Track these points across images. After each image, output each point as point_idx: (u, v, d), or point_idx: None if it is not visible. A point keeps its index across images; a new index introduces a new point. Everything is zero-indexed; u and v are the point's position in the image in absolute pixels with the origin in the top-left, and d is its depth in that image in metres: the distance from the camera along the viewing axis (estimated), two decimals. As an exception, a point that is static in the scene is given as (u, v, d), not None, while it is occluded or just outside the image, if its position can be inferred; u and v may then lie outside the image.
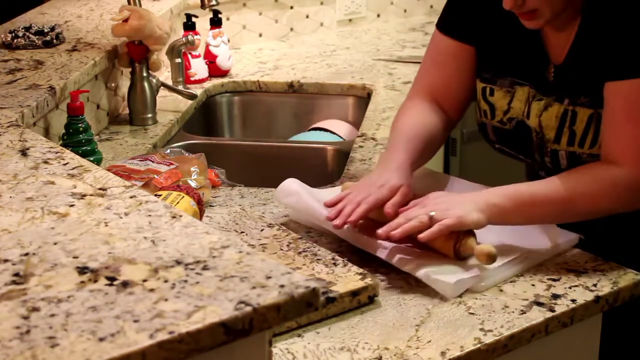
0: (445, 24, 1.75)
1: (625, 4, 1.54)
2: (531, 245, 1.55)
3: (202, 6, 2.46)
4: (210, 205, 1.76)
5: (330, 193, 1.76)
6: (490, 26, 1.69)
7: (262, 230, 1.62)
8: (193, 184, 1.73)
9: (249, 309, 0.99)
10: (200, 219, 1.63)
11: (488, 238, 1.54)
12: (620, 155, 1.54)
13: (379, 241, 1.52)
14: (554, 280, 1.49)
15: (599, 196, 1.54)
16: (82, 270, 1.08)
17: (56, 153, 1.46)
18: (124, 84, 2.35)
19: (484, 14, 1.70)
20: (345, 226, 1.55)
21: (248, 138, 2.65)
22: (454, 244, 1.50)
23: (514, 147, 1.73)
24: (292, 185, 1.69)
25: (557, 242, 1.56)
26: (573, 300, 1.43)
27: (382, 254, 1.51)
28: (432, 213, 1.48)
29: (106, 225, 1.19)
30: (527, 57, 1.67)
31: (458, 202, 1.51)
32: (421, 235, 1.47)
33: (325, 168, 2.26)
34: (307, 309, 1.04)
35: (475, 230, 1.54)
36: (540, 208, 1.54)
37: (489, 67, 1.72)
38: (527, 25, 1.60)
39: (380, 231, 1.50)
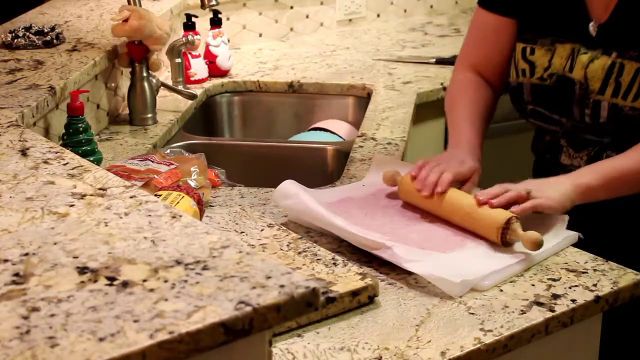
0: (487, 0, 1.84)
1: None
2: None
3: (202, 6, 2.46)
4: (210, 205, 1.76)
5: (331, 193, 1.76)
6: None
7: (262, 230, 1.62)
8: (193, 184, 1.73)
9: (249, 309, 0.99)
10: (200, 219, 1.63)
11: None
12: None
13: (380, 241, 1.52)
14: (554, 280, 1.49)
15: None
16: (82, 270, 1.08)
17: (56, 153, 1.46)
18: (124, 84, 2.35)
19: None
20: (344, 226, 1.55)
21: (248, 138, 2.65)
22: (501, 229, 1.53)
23: (551, 104, 1.76)
24: (290, 187, 1.69)
25: (557, 241, 1.56)
26: (573, 300, 1.43)
27: (383, 253, 1.51)
28: (530, 189, 1.56)
29: (106, 225, 1.19)
30: (569, 16, 1.72)
31: (550, 187, 1.58)
32: (515, 209, 1.53)
33: (325, 168, 2.26)
34: (307, 309, 1.04)
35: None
36: (625, 181, 1.61)
37: (530, 28, 1.77)
38: None
39: (481, 197, 1.57)
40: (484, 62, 1.86)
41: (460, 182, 1.67)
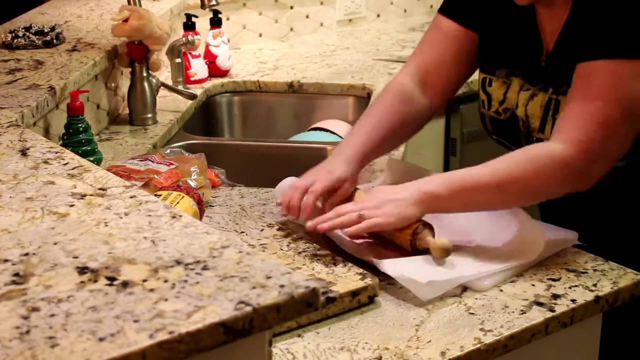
0: (448, 8, 1.77)
1: None
2: (530, 244, 1.54)
3: (202, 6, 2.46)
4: (210, 205, 1.76)
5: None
6: (491, 15, 1.70)
7: (262, 230, 1.62)
8: (193, 184, 1.73)
9: (249, 309, 0.99)
10: (200, 219, 1.63)
11: (490, 237, 1.55)
12: (565, 132, 1.52)
13: (359, 244, 1.52)
14: (554, 280, 1.49)
15: (535, 176, 1.51)
16: (82, 270, 1.08)
17: (56, 153, 1.46)
18: (124, 84, 2.35)
19: (485, 1, 1.70)
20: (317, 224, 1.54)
21: (248, 138, 2.65)
22: (410, 237, 1.51)
23: (507, 137, 1.74)
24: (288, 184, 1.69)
25: (555, 241, 1.56)
26: (573, 300, 1.43)
27: (363, 256, 1.51)
28: (362, 212, 1.49)
29: (106, 225, 1.19)
30: (523, 45, 1.67)
31: (392, 198, 1.51)
32: (347, 230, 1.49)
33: (325, 168, 2.25)
34: (307, 309, 1.04)
35: (476, 231, 1.55)
36: (474, 193, 1.51)
37: (489, 57, 1.73)
38: (516, 0, 1.60)
39: (309, 224, 1.52)
40: (433, 66, 1.76)
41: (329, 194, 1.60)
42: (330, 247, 1.56)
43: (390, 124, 1.70)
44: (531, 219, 1.57)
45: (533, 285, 1.47)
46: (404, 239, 1.52)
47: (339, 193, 1.59)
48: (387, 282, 1.47)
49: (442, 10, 1.78)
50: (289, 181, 1.69)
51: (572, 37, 1.59)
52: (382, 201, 1.51)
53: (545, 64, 1.64)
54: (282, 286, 1.03)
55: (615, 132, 1.51)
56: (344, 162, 1.62)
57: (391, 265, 1.47)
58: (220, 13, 2.73)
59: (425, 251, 1.50)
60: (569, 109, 1.54)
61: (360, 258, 1.51)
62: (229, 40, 2.76)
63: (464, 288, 1.46)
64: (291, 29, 3.16)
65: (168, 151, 1.92)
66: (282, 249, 1.54)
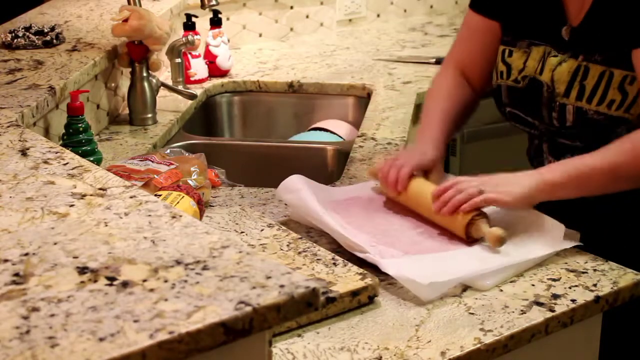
0: (476, 2, 1.86)
1: None
2: (533, 244, 1.54)
3: (202, 6, 2.46)
4: (210, 205, 1.76)
5: (340, 191, 1.77)
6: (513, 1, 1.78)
7: (262, 230, 1.62)
8: (193, 184, 1.73)
9: (249, 309, 0.99)
10: (200, 219, 1.63)
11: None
12: None
13: (362, 244, 1.52)
14: (554, 280, 1.49)
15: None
16: (82, 270, 1.08)
17: (56, 153, 1.46)
18: (124, 84, 2.35)
19: None
20: (333, 226, 1.57)
21: (248, 138, 2.65)
22: (466, 224, 1.54)
23: (524, 106, 1.77)
24: (295, 182, 1.69)
25: (558, 241, 1.56)
26: (573, 300, 1.43)
27: (365, 256, 1.51)
28: (483, 187, 1.56)
29: (106, 225, 1.19)
30: (545, 18, 1.73)
31: (508, 181, 1.58)
32: (465, 205, 1.55)
33: (325, 168, 2.26)
34: (307, 309, 1.04)
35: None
36: (590, 179, 1.59)
37: (510, 30, 1.79)
38: None
39: (435, 206, 1.59)
40: (468, 61, 1.88)
41: (424, 173, 1.71)
42: (330, 247, 1.56)
43: (456, 106, 1.84)
44: (540, 215, 1.58)
45: (533, 285, 1.47)
46: (459, 226, 1.56)
47: (434, 173, 1.71)
48: (387, 282, 1.47)
49: (471, 5, 1.88)
50: (295, 178, 1.70)
51: (601, 15, 1.65)
52: (503, 180, 1.58)
53: (571, 37, 1.69)
54: (282, 286, 1.03)
55: None
56: (433, 145, 1.74)
57: (392, 265, 1.47)
58: (220, 13, 2.73)
59: (479, 240, 1.55)
60: None
61: (362, 257, 1.51)
62: (229, 40, 2.76)
63: (464, 288, 1.46)
64: (291, 29, 3.16)
65: (168, 151, 1.92)
66: (282, 249, 1.54)
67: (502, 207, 1.58)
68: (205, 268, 1.08)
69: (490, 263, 1.49)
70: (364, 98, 2.58)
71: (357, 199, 1.73)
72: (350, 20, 3.28)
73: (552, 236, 1.56)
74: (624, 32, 1.61)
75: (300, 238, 1.58)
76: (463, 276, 1.45)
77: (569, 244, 1.57)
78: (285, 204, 1.73)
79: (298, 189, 1.67)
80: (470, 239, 1.56)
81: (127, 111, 2.32)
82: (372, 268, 1.50)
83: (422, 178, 1.69)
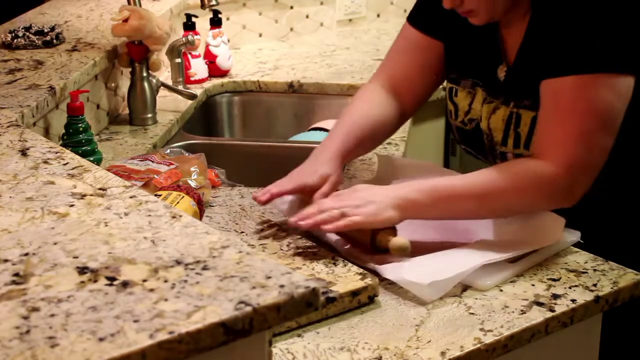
0: (415, 17, 1.78)
1: (571, 2, 1.54)
2: (535, 243, 1.54)
3: (202, 6, 2.46)
4: (210, 205, 1.76)
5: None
6: (455, 24, 1.70)
7: (262, 230, 1.62)
8: (193, 184, 1.73)
9: (249, 309, 0.99)
10: (200, 219, 1.63)
11: (488, 234, 1.56)
12: (545, 151, 1.53)
13: (363, 255, 1.52)
14: (554, 280, 1.49)
15: (517, 191, 1.53)
16: (82, 270, 1.08)
17: (56, 153, 1.46)
18: (124, 84, 2.35)
19: (450, 11, 1.69)
20: (333, 237, 1.56)
21: (248, 138, 2.65)
22: (370, 236, 1.52)
23: (473, 147, 1.76)
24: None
25: (559, 240, 1.56)
26: (573, 300, 1.43)
27: (364, 264, 1.51)
28: (344, 210, 1.50)
29: (106, 225, 1.19)
30: (485, 57, 1.68)
31: (372, 200, 1.52)
32: (326, 227, 1.49)
33: (325, 168, 2.25)
34: (307, 309, 1.04)
35: (478, 226, 1.57)
36: (456, 203, 1.53)
37: (455, 67, 1.74)
38: (471, 21, 1.62)
39: (291, 219, 1.53)
40: (402, 76, 1.78)
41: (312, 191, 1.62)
42: (330, 248, 1.56)
43: (366, 127, 1.72)
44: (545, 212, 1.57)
45: (533, 285, 1.47)
46: (364, 237, 1.53)
47: (323, 190, 1.60)
48: (387, 282, 1.47)
49: (409, 20, 1.80)
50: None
51: (532, 52, 1.60)
52: (363, 201, 1.52)
53: (506, 78, 1.65)
54: (282, 286, 1.03)
55: (594, 145, 1.52)
56: (326, 160, 1.65)
57: (391, 270, 1.46)
58: (220, 13, 2.73)
59: (385, 250, 1.51)
60: (545, 128, 1.54)
61: (360, 265, 1.50)
62: (229, 40, 2.76)
63: (464, 288, 1.46)
64: (291, 29, 3.16)
65: (168, 151, 1.92)
66: (282, 249, 1.54)
67: (366, 227, 1.52)
68: (205, 268, 1.08)
69: (491, 256, 1.49)
70: (364, 98, 2.57)
71: None
72: (350, 20, 3.28)
73: (553, 230, 1.55)
74: (545, 67, 1.55)
75: (300, 238, 1.58)
76: (464, 272, 1.45)
77: (570, 241, 1.57)
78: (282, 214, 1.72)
79: (290, 200, 1.67)
80: (374, 249, 1.53)
81: (127, 111, 2.32)
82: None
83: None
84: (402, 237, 1.50)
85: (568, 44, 1.52)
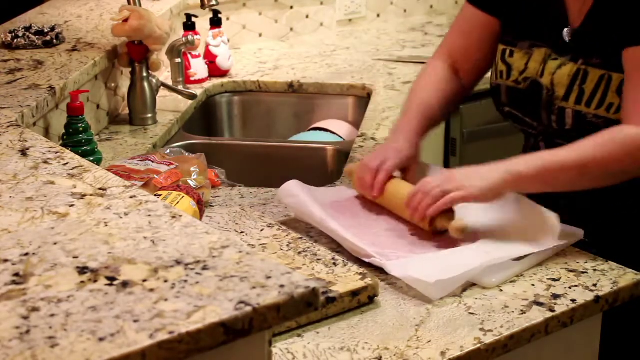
0: None
1: None
2: (538, 241, 1.54)
3: (202, 6, 2.46)
4: (210, 205, 1.76)
5: (336, 192, 1.77)
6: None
7: (262, 230, 1.62)
8: (193, 184, 1.73)
9: (249, 309, 0.99)
10: (200, 219, 1.63)
11: (494, 232, 1.58)
12: (633, 116, 1.58)
13: (366, 248, 1.53)
14: (554, 280, 1.49)
15: (613, 157, 1.57)
16: (82, 270, 1.08)
17: (56, 153, 1.46)
18: (124, 84, 2.35)
19: None
20: (337, 230, 1.57)
21: (248, 138, 2.65)
22: (429, 219, 1.56)
23: (524, 108, 1.77)
24: (293, 187, 1.70)
25: (562, 237, 1.56)
26: (573, 300, 1.43)
27: (371, 260, 1.51)
28: (446, 187, 1.56)
29: (106, 225, 1.19)
30: (547, 19, 1.73)
31: (475, 174, 1.57)
32: (430, 211, 1.55)
33: (325, 168, 2.26)
34: (307, 309, 1.04)
35: (484, 225, 1.59)
36: (557, 174, 1.58)
37: (511, 30, 1.78)
38: None
39: (408, 216, 1.61)
40: (462, 54, 1.86)
41: (402, 171, 1.72)
42: (330, 247, 1.57)
43: (436, 100, 1.80)
44: (544, 211, 1.58)
45: (533, 285, 1.47)
46: (422, 221, 1.57)
47: (410, 171, 1.70)
48: (387, 282, 1.47)
49: (470, 0, 1.86)
50: (291, 184, 1.70)
51: (601, 16, 1.64)
52: (467, 176, 1.58)
53: (572, 40, 1.69)
54: (282, 286, 1.03)
55: None
56: (408, 140, 1.72)
57: (398, 267, 1.47)
58: (220, 13, 2.73)
59: (444, 231, 1.57)
60: (633, 95, 1.60)
61: (368, 262, 1.51)
62: (229, 40, 2.76)
63: (464, 288, 1.46)
64: (291, 29, 3.16)
65: (168, 151, 1.92)
66: (282, 249, 1.54)
67: (470, 202, 1.57)
68: (205, 268, 1.08)
69: (497, 256, 1.49)
70: (364, 98, 2.58)
71: (359, 199, 1.74)
72: (350, 20, 3.28)
73: (556, 230, 1.56)
74: (621, 33, 1.61)
75: (300, 238, 1.58)
76: (470, 271, 1.45)
77: (573, 239, 1.57)
78: (286, 207, 1.73)
79: (297, 194, 1.67)
80: (435, 232, 1.58)
81: (127, 111, 2.32)
82: (372, 268, 1.50)
83: (397, 179, 1.70)
84: (461, 218, 1.55)
85: None
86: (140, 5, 2.30)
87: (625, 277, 1.49)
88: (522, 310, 1.40)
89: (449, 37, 1.91)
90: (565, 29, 1.70)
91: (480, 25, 1.83)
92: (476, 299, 1.43)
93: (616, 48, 1.62)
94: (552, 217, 1.56)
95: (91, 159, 1.86)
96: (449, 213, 1.56)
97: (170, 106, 2.41)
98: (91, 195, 1.29)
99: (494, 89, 1.81)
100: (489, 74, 1.86)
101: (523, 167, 1.56)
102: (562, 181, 1.59)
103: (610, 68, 1.63)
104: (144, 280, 1.05)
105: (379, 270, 1.50)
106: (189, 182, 1.74)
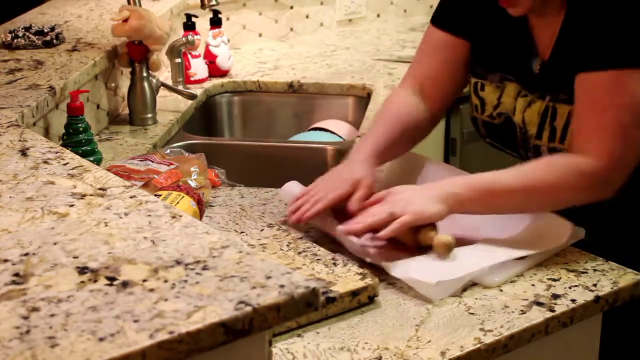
0: (439, 18, 1.78)
1: None
2: (540, 241, 1.54)
3: (202, 6, 2.46)
4: (210, 205, 1.76)
5: None
6: (482, 21, 1.71)
7: (262, 230, 1.62)
8: (193, 184, 1.73)
9: (249, 309, 0.99)
10: (200, 219, 1.63)
11: (495, 233, 1.57)
12: (583, 145, 1.55)
13: (365, 248, 1.53)
14: (554, 280, 1.49)
15: (562, 185, 1.54)
16: (82, 270, 1.08)
17: (56, 153, 1.46)
18: (124, 84, 2.35)
19: (476, 8, 1.71)
20: (338, 232, 1.56)
21: (248, 138, 2.65)
22: (413, 235, 1.53)
23: (502, 141, 1.76)
24: (294, 187, 1.71)
25: (565, 236, 1.56)
26: (573, 300, 1.43)
27: (370, 259, 1.52)
28: (392, 210, 1.51)
29: (106, 225, 1.19)
30: (516, 51, 1.69)
31: (417, 197, 1.53)
32: (380, 234, 1.50)
33: (325, 168, 2.25)
34: (307, 309, 1.04)
35: (485, 225, 1.58)
36: (501, 197, 1.55)
37: (481, 62, 1.74)
38: (510, 12, 1.62)
39: (340, 227, 1.54)
40: (428, 79, 1.79)
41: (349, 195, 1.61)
42: (330, 247, 1.57)
43: (398, 130, 1.73)
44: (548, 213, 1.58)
45: (533, 285, 1.47)
46: (408, 237, 1.54)
47: (358, 195, 1.59)
48: (387, 282, 1.47)
49: (433, 21, 1.79)
50: (292, 185, 1.70)
51: (568, 46, 1.60)
52: (408, 200, 1.53)
53: (541, 72, 1.65)
54: (282, 286, 1.03)
55: (631, 138, 1.54)
56: (361, 162, 1.66)
57: (399, 268, 1.47)
58: (220, 13, 2.73)
59: (428, 247, 1.52)
60: (581, 123, 1.56)
61: (370, 262, 1.51)
62: (229, 40, 2.76)
63: (464, 288, 1.46)
64: (291, 29, 3.16)
65: (168, 151, 1.92)
66: (282, 249, 1.54)
67: (415, 224, 1.52)
68: (205, 268, 1.08)
69: (499, 256, 1.49)
70: (364, 98, 2.58)
71: None
72: (350, 20, 3.28)
73: (558, 231, 1.56)
74: (581, 61, 1.56)
75: (300, 238, 1.58)
76: (471, 272, 1.45)
77: (575, 239, 1.57)
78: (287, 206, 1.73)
79: (296, 195, 1.67)
80: (418, 247, 1.54)
81: (127, 111, 2.32)
82: (372, 268, 1.50)
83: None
84: (447, 234, 1.51)
85: (604, 38, 1.53)
86: (140, 5, 2.30)
87: (625, 277, 1.49)
88: (522, 310, 1.40)
89: (414, 62, 1.83)
90: (535, 61, 1.66)
91: (444, 46, 1.76)
92: (476, 299, 1.43)
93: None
94: (555, 220, 1.56)
95: (91, 159, 1.86)
96: (431, 228, 1.53)
97: (170, 106, 2.41)
98: (91, 195, 1.29)
99: (473, 121, 1.78)
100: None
101: (461, 190, 1.53)
102: (506, 205, 1.56)
103: None
104: (144, 280, 1.05)
105: (379, 270, 1.50)
106: (189, 182, 1.74)
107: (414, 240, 1.53)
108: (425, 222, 1.52)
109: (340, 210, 1.64)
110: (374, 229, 1.52)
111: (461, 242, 1.56)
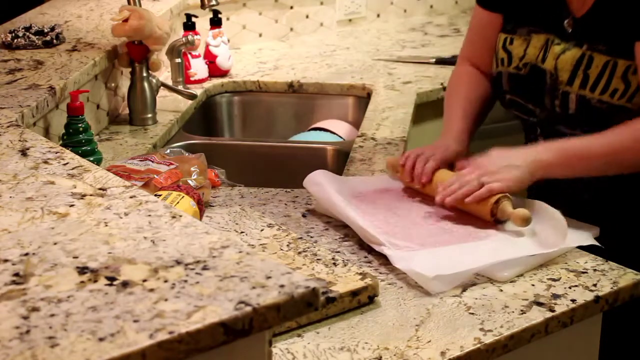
0: None
1: None
2: (548, 241, 1.55)
3: (202, 6, 2.46)
4: (210, 205, 1.76)
5: (362, 182, 1.81)
6: None
7: (262, 230, 1.62)
8: (193, 184, 1.73)
9: (249, 309, 0.99)
10: (200, 219, 1.63)
11: (508, 231, 1.60)
12: None
13: (378, 236, 1.54)
14: (554, 280, 1.49)
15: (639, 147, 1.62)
16: (82, 270, 1.08)
17: (56, 153, 1.46)
18: (124, 84, 2.35)
19: None
20: (353, 218, 1.61)
21: (248, 138, 2.65)
22: (490, 208, 1.60)
23: (526, 93, 1.79)
24: (318, 175, 1.75)
25: (574, 235, 1.56)
26: (573, 300, 1.43)
27: (381, 250, 1.53)
28: (483, 179, 1.61)
29: (106, 225, 1.19)
30: (548, 10, 1.75)
31: (509, 165, 1.63)
32: (468, 199, 1.61)
33: (325, 168, 2.24)
34: (307, 309, 1.04)
35: (490, 225, 1.62)
36: (584, 162, 1.63)
37: (511, 19, 1.82)
38: None
39: (438, 198, 1.65)
40: (476, 56, 1.91)
41: (448, 166, 1.75)
42: (330, 247, 1.57)
43: (478, 98, 1.87)
44: (555, 212, 1.59)
45: (533, 285, 1.47)
46: (484, 209, 1.61)
47: (457, 165, 1.73)
48: (387, 282, 1.47)
49: (477, 0, 1.91)
50: (317, 173, 1.75)
51: (609, 7, 1.66)
52: (500, 166, 1.63)
53: (574, 28, 1.70)
54: (282, 286, 1.03)
55: None
56: (456, 139, 1.80)
57: (402, 259, 1.48)
58: (220, 13, 2.73)
59: (504, 221, 1.61)
60: None
61: (375, 248, 1.53)
62: (229, 40, 2.76)
63: (464, 288, 1.46)
64: (291, 29, 3.16)
65: (168, 151, 1.92)
66: (282, 249, 1.54)
67: (505, 192, 1.62)
68: (205, 268, 1.08)
69: (503, 255, 1.50)
70: (364, 98, 2.58)
71: (382, 192, 1.77)
72: (350, 20, 3.28)
73: (564, 231, 1.56)
74: (628, 23, 1.62)
75: (300, 238, 1.58)
76: (473, 269, 1.46)
77: (584, 240, 1.58)
78: (310, 196, 1.77)
79: (321, 183, 1.72)
80: (495, 221, 1.62)
81: (127, 111, 2.32)
82: (372, 268, 1.50)
83: (445, 170, 1.74)
84: (524, 208, 1.58)
85: None
86: (140, 5, 2.30)
87: (625, 277, 1.49)
88: (522, 310, 1.40)
89: (466, 41, 1.97)
90: (566, 20, 1.71)
91: (485, 24, 1.87)
92: (476, 299, 1.43)
93: (622, 36, 1.63)
94: (562, 220, 1.56)
95: (91, 159, 1.86)
96: (509, 202, 1.60)
97: (170, 106, 2.41)
98: (91, 195, 1.29)
99: (496, 78, 1.84)
100: None
101: (551, 155, 1.63)
102: (589, 169, 1.65)
103: (616, 54, 1.64)
104: (144, 280, 1.05)
105: (379, 270, 1.50)
106: (189, 182, 1.74)
107: (491, 213, 1.61)
108: (514, 191, 1.62)
109: (360, 197, 1.70)
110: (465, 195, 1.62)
111: (475, 238, 1.58)
